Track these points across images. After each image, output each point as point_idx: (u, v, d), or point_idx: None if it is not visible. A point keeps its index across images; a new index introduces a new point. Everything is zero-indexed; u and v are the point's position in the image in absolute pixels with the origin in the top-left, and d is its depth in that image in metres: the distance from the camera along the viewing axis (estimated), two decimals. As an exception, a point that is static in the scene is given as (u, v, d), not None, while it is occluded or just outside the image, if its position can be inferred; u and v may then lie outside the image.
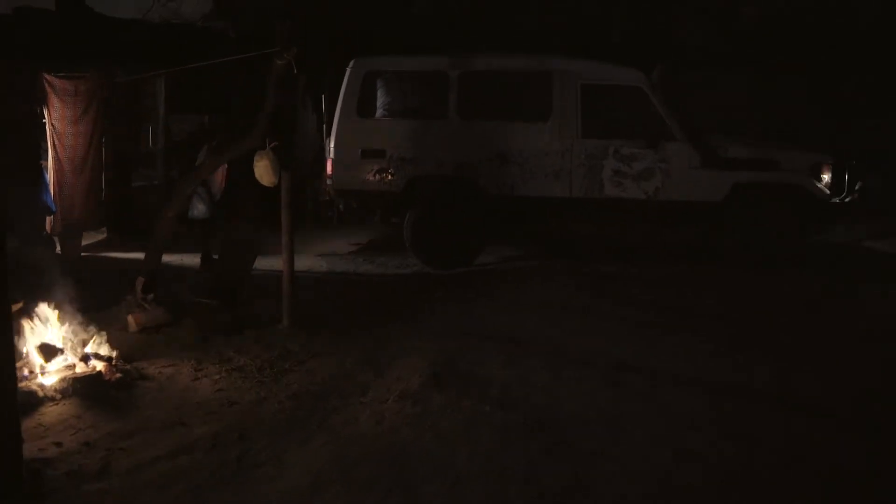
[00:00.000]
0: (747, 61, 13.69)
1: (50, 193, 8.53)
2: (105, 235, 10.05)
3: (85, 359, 4.95)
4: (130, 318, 5.89)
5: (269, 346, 5.71)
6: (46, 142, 8.69)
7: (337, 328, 6.18)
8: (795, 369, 5.28)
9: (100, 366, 4.92)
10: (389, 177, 8.56)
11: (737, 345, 5.82)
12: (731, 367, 5.34)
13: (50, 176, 8.68)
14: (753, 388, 4.95)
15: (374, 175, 8.57)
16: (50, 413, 4.51)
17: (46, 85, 8.52)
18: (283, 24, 5.93)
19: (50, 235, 8.66)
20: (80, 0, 12.99)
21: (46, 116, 8.59)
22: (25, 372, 4.71)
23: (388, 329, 6.16)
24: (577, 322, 6.42)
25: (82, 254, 9.10)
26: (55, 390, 4.65)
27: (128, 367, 5.10)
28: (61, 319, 5.11)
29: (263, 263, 7.38)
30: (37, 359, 4.81)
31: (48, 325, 5.04)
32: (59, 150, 8.72)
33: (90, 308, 5.65)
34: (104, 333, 5.25)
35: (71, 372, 4.82)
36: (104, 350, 5.12)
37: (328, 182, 8.76)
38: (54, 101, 8.58)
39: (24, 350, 4.86)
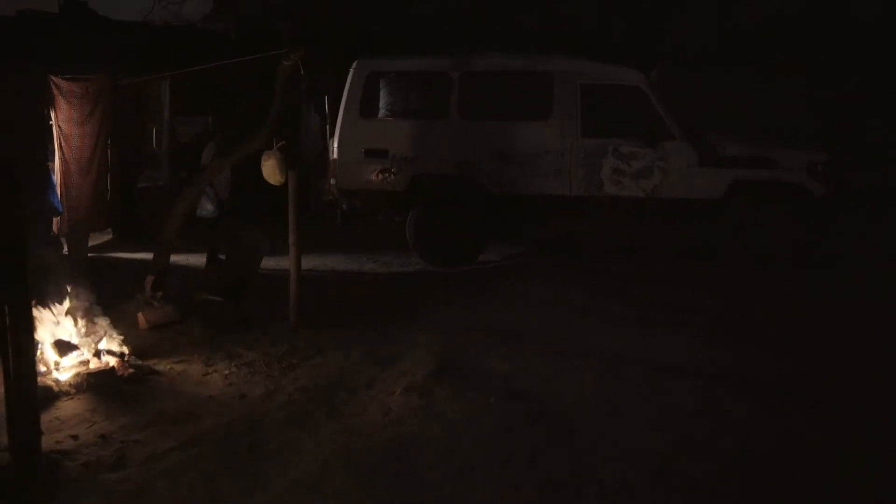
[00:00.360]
0: (746, 61, 13.80)
1: (57, 194, 8.63)
2: (111, 236, 10.15)
3: (98, 355, 5.08)
4: (140, 316, 6.02)
5: (277, 343, 5.84)
6: (53, 143, 8.79)
7: (342, 324, 6.31)
8: (789, 363, 5.40)
9: (113, 362, 5.06)
10: (392, 176, 8.67)
11: (732, 339, 5.94)
12: (725, 359, 5.46)
13: (56, 177, 8.78)
14: (748, 379, 5.07)
15: (377, 174, 8.68)
16: (65, 407, 4.64)
17: (53, 87, 8.61)
18: (290, 26, 6.04)
19: (56, 236, 8.77)
20: (82, 2, 13.11)
21: (53, 118, 8.68)
22: (41, 368, 4.82)
23: (392, 325, 6.29)
24: (577, 318, 6.54)
25: (89, 254, 9.20)
26: (70, 385, 4.78)
27: (139, 362, 5.23)
28: (74, 317, 5.22)
29: (269, 263, 7.49)
30: (51, 355, 4.94)
31: (61, 322, 5.15)
32: (65, 152, 8.81)
33: (100, 306, 5.76)
34: (116, 330, 5.37)
35: (85, 368, 4.95)
36: (116, 346, 5.25)
37: (332, 182, 8.87)
38: (61, 103, 8.67)
39: (39, 347, 4.97)
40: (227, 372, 5.27)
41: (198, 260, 8.57)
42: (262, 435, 4.29)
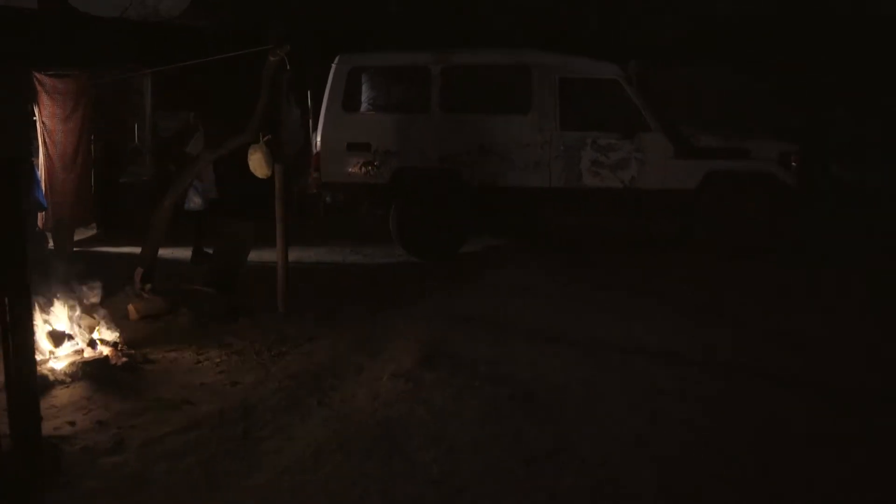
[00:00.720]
0: (723, 56, 14.00)
1: (41, 190, 8.69)
2: (95, 231, 10.21)
3: (92, 344, 5.18)
4: (131, 307, 6.11)
5: (266, 332, 5.97)
6: (37, 139, 8.83)
7: (330, 314, 6.44)
8: (765, 347, 5.62)
9: (106, 351, 5.17)
10: (375, 169, 8.81)
11: (705, 323, 6.18)
12: (703, 344, 5.67)
13: (41, 173, 8.83)
14: (720, 360, 5.31)
15: (360, 168, 8.81)
16: (61, 395, 4.74)
17: (37, 83, 8.66)
18: (276, 22, 6.17)
19: (41, 231, 8.82)
20: (63, -1, 13.11)
21: (37, 114, 8.74)
22: (37, 357, 4.91)
23: (378, 314, 6.43)
24: (558, 305, 6.75)
25: (74, 249, 9.26)
26: (65, 374, 4.89)
27: (133, 352, 5.34)
28: (66, 308, 5.32)
29: (255, 256, 7.61)
30: (46, 345, 5.04)
31: (54, 313, 5.25)
32: (49, 148, 8.87)
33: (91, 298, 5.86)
34: (109, 320, 5.48)
35: (79, 357, 5.05)
36: (110, 336, 5.35)
37: (315, 175, 8.99)
38: (44, 99, 8.72)
39: (34, 337, 5.06)
40: (218, 360, 5.39)
41: (183, 253, 8.65)
42: (256, 420, 4.42)
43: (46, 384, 4.75)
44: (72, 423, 4.35)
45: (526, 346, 5.58)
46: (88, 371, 4.92)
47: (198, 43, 11.87)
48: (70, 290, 5.49)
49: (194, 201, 8.43)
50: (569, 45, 10.89)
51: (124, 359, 5.15)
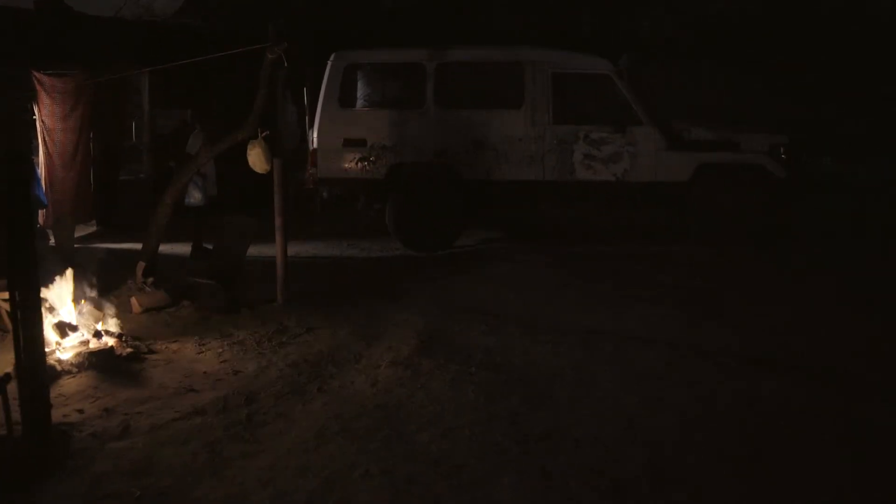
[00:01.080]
0: (714, 52, 14.15)
1: (42, 187, 8.79)
2: (95, 228, 10.32)
3: (97, 335, 5.31)
4: (133, 301, 6.24)
5: (266, 323, 6.11)
6: (37, 138, 8.93)
7: (328, 305, 6.57)
8: (755, 334, 5.76)
9: (111, 341, 5.30)
10: (371, 165, 8.94)
11: (702, 313, 6.31)
12: (695, 331, 5.82)
13: (41, 171, 8.93)
14: (711, 347, 5.42)
15: (357, 163, 8.94)
16: (69, 385, 4.87)
17: (36, 82, 8.76)
18: (275, 20, 6.30)
19: (42, 228, 8.92)
20: (59, -2, 13.14)
21: (37, 113, 8.84)
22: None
23: (376, 305, 6.57)
24: (554, 296, 6.89)
25: (75, 245, 9.36)
26: (72, 364, 5.02)
27: (137, 342, 5.47)
28: (72, 301, 5.45)
29: (254, 250, 7.73)
30: (53, 336, 5.16)
31: (60, 305, 5.38)
32: (49, 146, 8.95)
33: (94, 292, 5.99)
34: (113, 311, 5.61)
35: (85, 347, 5.19)
36: (114, 328, 5.48)
37: (312, 171, 9.10)
38: (44, 98, 8.81)
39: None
40: (220, 350, 5.52)
41: (183, 249, 8.77)
42: (259, 406, 4.55)
43: (54, 374, 4.89)
44: (80, 411, 4.48)
45: (520, 334, 5.71)
46: (94, 361, 5.05)
47: (195, 42, 11.98)
48: (75, 283, 5.61)
49: (194, 196, 8.54)
50: (567, 43, 11.02)
51: (129, 349, 5.28)
